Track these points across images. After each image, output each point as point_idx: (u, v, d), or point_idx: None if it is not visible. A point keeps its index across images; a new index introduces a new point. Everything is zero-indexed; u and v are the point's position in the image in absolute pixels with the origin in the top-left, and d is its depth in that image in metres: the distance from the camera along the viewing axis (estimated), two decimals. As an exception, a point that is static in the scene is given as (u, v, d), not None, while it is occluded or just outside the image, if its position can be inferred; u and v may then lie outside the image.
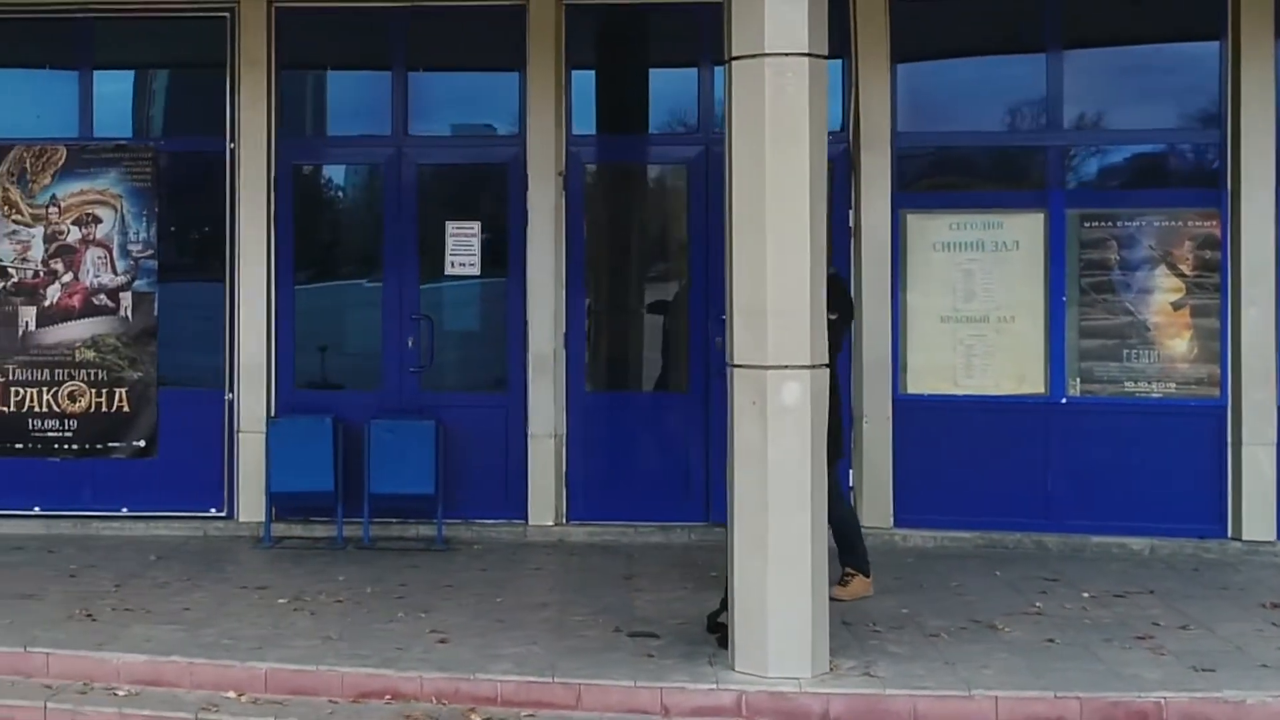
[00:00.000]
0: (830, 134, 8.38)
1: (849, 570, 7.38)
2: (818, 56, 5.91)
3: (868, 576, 7.38)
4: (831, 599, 6.37)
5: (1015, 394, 8.74)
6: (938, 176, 9.02)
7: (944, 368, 8.80)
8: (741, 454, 5.92)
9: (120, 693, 5.97)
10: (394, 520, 8.72)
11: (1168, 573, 8.13)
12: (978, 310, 8.76)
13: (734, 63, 5.92)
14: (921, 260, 8.79)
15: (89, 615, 6.85)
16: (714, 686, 5.79)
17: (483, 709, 5.80)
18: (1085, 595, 7.49)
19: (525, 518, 8.82)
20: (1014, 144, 8.92)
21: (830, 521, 6.34)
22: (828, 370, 6.08)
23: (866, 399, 8.70)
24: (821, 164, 5.96)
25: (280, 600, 7.20)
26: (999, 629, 6.74)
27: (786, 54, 5.80)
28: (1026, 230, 8.79)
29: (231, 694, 5.96)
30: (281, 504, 8.50)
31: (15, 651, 6.26)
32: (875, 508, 8.72)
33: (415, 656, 6.18)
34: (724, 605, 6.53)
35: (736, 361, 5.94)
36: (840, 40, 8.65)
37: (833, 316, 6.38)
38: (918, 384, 8.78)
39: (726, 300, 6.11)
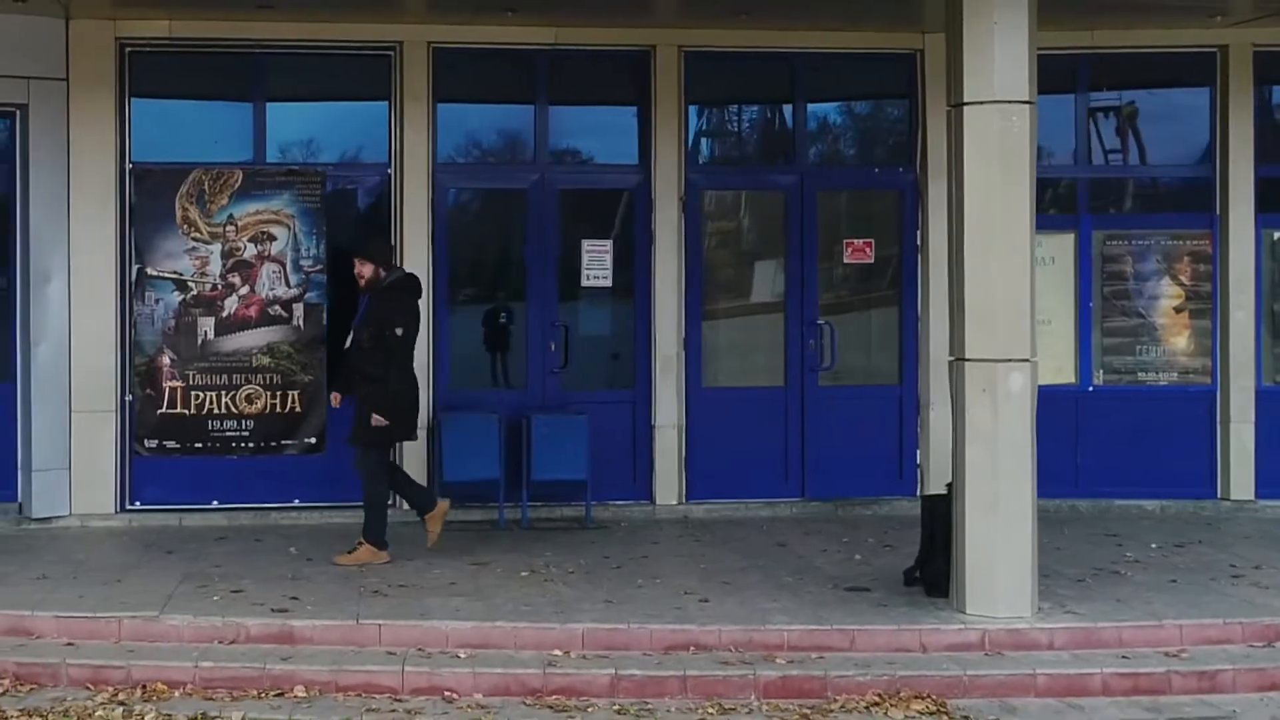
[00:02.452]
0: (900, 168, 9.47)
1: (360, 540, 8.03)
2: (1033, 103, 6.80)
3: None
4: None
5: (1053, 383, 9.76)
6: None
7: (996, 362, 9.90)
8: (972, 433, 6.77)
9: (461, 655, 6.42)
10: (540, 504, 9.23)
11: (1190, 527, 9.37)
12: (1023, 314, 9.90)
13: (965, 107, 6.79)
14: (978, 273, 9.84)
15: (376, 592, 7.22)
16: (962, 626, 6.63)
17: (777, 654, 6.48)
18: (1153, 546, 8.63)
19: (651, 498, 9.53)
20: (1051, 177, 9.96)
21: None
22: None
23: (935, 389, 9.47)
24: (1034, 191, 6.85)
25: (522, 573, 7.71)
26: (1123, 574, 7.79)
27: (1012, 101, 6.71)
28: (1061, 248, 9.95)
29: (558, 651, 6.48)
30: (453, 492, 8.84)
31: (347, 624, 6.63)
32: (938, 479, 9.37)
33: (694, 613, 6.78)
34: (918, 563, 7.38)
35: (968, 356, 6.80)
36: (909, 87, 9.63)
37: None
38: (976, 376, 9.85)
39: (951, 304, 6.98)
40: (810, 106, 9.89)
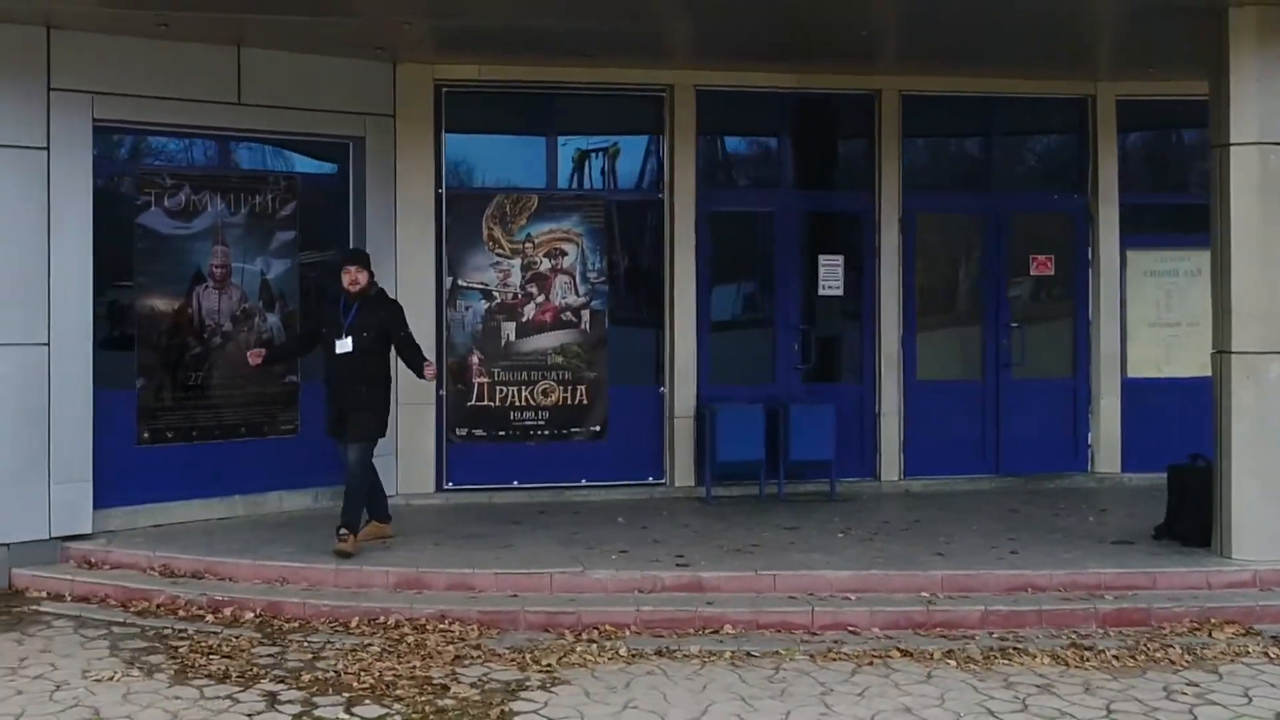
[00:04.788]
0: (1074, 194, 10.51)
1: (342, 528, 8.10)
2: (1285, 144, 8.07)
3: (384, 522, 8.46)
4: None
5: (1197, 375, 10.78)
6: (1149, 224, 11.05)
7: (1151, 359, 10.99)
8: (1237, 412, 7.90)
9: (851, 598, 7.36)
10: (789, 480, 10.08)
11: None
12: (1173, 318, 11.02)
13: (1231, 148, 7.89)
14: (1137, 283, 10.96)
15: (737, 550, 8.15)
16: (1238, 569, 7.73)
17: (1100, 592, 7.52)
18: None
19: (876, 474, 10.50)
20: (1195, 203, 10.86)
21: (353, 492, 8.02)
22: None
23: (1103, 381, 10.77)
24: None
25: (837, 535, 8.68)
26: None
27: (1273, 143, 7.83)
28: (1205, 262, 10.76)
29: (925, 593, 7.45)
30: (721, 471, 9.82)
31: (747, 575, 7.55)
32: (1106, 458, 10.80)
33: (1015, 561, 7.79)
34: (1168, 520, 8.46)
35: (1234, 349, 7.90)
36: (1082, 125, 10.69)
37: None
38: (1135, 370, 10.94)
39: (1217, 308, 8.01)
40: (1001, 141, 11.00)
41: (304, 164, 9.68)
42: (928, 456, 10.54)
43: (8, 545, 8.02)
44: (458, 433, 9.80)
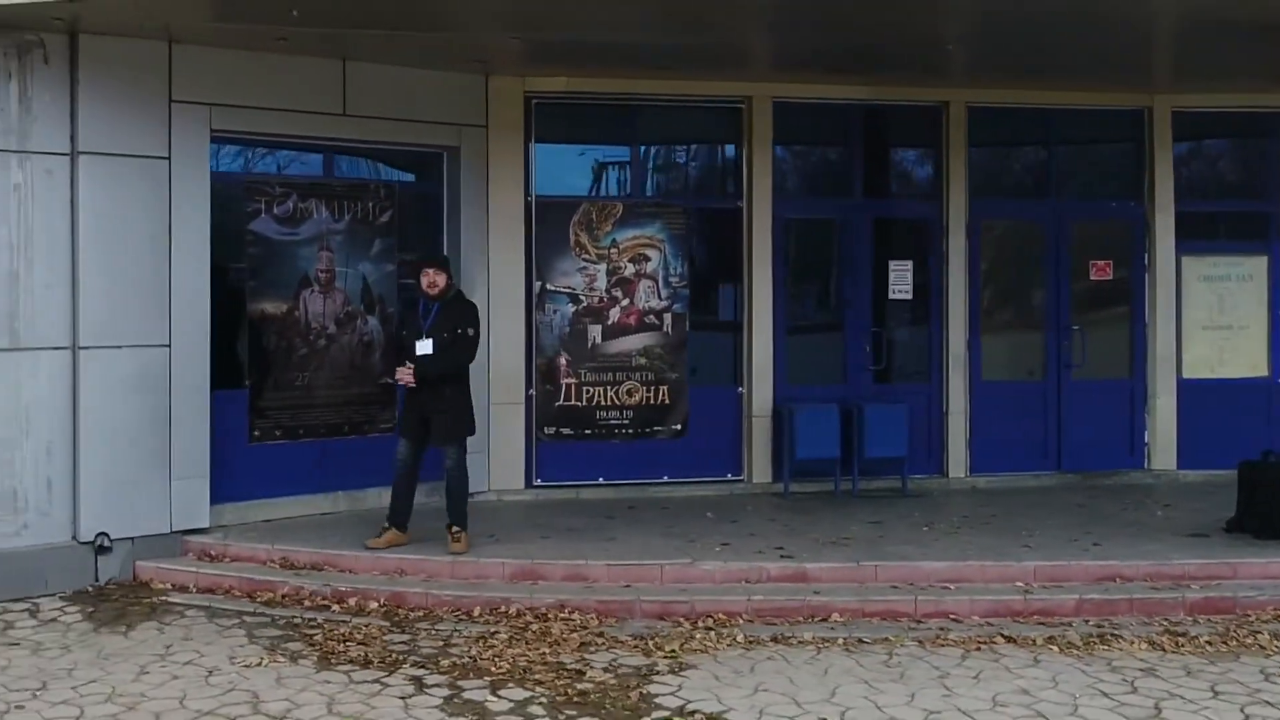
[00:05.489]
0: (1131, 201, 10.74)
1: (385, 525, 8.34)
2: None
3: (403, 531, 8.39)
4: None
5: (1248, 376, 11.24)
6: (1203, 231, 11.26)
7: (1205, 360, 11.24)
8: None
9: (951, 587, 7.59)
10: (862, 477, 10.30)
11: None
12: (1226, 321, 11.28)
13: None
14: (1191, 287, 11.19)
15: (832, 542, 8.40)
16: (1315, 559, 7.94)
17: (1185, 582, 7.74)
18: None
19: (942, 471, 10.74)
20: (1248, 210, 11.39)
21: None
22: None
23: (1159, 382, 11.01)
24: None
25: (923, 528, 8.90)
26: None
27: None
28: (1256, 267, 11.34)
29: (1019, 583, 7.65)
30: (799, 468, 10.06)
31: (848, 566, 7.80)
32: (1162, 456, 11.04)
33: (1098, 553, 8.01)
34: (1239, 514, 8.69)
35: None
36: (1139, 135, 10.92)
37: None
38: (1190, 371, 11.19)
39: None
40: (1061, 150, 11.21)
41: (402, 173, 9.90)
42: (992, 454, 10.78)
43: (132, 539, 8.24)
44: (546, 431, 10.03)
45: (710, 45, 9.01)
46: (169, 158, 8.30)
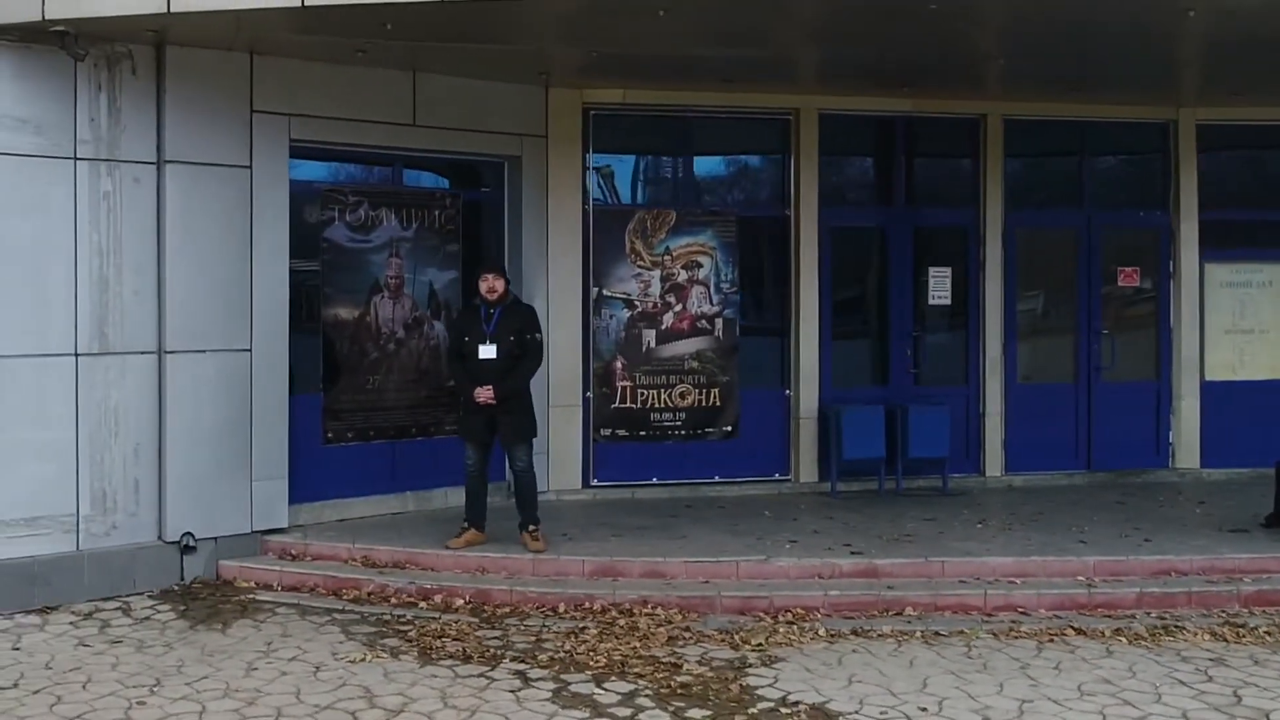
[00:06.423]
0: (1157, 210, 10.94)
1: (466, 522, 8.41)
2: None
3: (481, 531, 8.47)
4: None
5: (1269, 378, 11.47)
6: (1226, 239, 11.46)
7: (1227, 363, 11.46)
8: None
9: (1017, 581, 7.75)
10: (904, 476, 10.45)
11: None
12: (1247, 325, 11.52)
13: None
14: (1214, 293, 11.42)
15: (894, 539, 8.53)
16: (1355, 552, 8.15)
17: (1234, 575, 7.94)
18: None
19: (980, 470, 10.91)
20: (1268, 219, 11.59)
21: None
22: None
23: (1184, 384, 11.24)
24: None
25: (976, 525, 9.05)
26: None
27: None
28: (1276, 274, 11.58)
29: (1080, 577, 7.81)
30: (845, 468, 10.20)
31: (917, 561, 7.95)
32: (1186, 455, 11.26)
33: (1150, 548, 8.18)
34: (1276, 511, 8.83)
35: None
36: (1164, 146, 11.12)
37: None
38: (1212, 374, 11.41)
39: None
40: (1092, 161, 11.42)
41: (466, 181, 10.00)
42: (1026, 453, 10.96)
43: (215, 539, 8.31)
44: (602, 433, 10.13)
45: (760, 59, 9.13)
46: (250, 166, 8.37)
